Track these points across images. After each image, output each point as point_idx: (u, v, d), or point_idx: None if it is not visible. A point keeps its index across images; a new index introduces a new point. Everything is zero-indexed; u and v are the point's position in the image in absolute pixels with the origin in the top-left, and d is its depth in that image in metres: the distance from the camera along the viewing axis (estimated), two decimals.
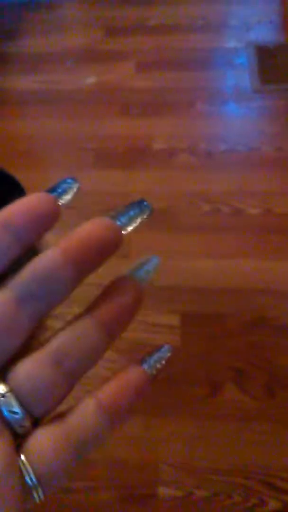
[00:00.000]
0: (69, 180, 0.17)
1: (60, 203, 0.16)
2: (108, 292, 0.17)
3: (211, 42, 1.72)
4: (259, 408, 0.87)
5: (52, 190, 0.17)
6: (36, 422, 0.16)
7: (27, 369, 0.15)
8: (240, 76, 1.57)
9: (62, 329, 0.16)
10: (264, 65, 1.61)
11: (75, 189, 0.17)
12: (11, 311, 0.15)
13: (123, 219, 0.16)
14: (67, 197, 0.17)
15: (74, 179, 0.17)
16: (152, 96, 1.51)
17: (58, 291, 0.16)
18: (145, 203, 0.17)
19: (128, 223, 0.16)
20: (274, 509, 0.77)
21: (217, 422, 0.86)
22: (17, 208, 0.15)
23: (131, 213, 0.17)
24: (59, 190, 0.17)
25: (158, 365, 0.17)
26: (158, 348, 0.18)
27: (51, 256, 0.15)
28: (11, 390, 0.15)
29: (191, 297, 1.02)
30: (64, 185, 0.17)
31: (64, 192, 0.17)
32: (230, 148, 1.34)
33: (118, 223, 0.16)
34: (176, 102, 1.48)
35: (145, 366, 0.17)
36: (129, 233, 0.16)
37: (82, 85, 1.58)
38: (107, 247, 0.16)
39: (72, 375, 0.16)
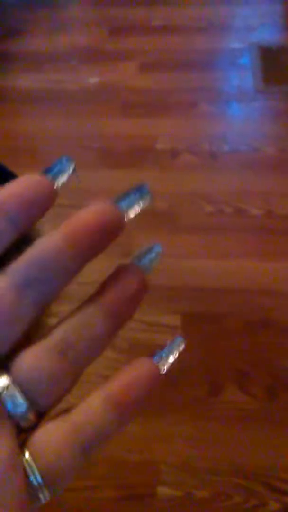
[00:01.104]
0: (64, 160, 0.16)
1: (55, 186, 0.16)
2: (112, 280, 0.16)
3: (215, 43, 1.72)
4: (260, 409, 0.87)
5: (47, 171, 0.16)
6: (41, 416, 0.15)
7: (31, 359, 0.15)
8: (243, 76, 1.57)
9: (66, 317, 0.16)
10: (267, 66, 1.61)
11: (70, 170, 0.16)
12: (11, 298, 0.15)
13: (124, 204, 0.16)
14: (63, 179, 0.16)
15: (70, 159, 0.16)
16: (155, 96, 1.51)
17: (60, 276, 0.15)
18: (144, 188, 0.17)
19: (129, 208, 0.16)
20: (274, 510, 0.77)
21: (218, 423, 0.86)
22: (11, 191, 0.15)
23: (132, 197, 0.16)
24: (55, 171, 0.16)
25: (171, 358, 0.17)
26: (170, 341, 0.17)
27: (51, 240, 0.15)
28: (14, 381, 0.15)
29: (193, 297, 1.02)
30: (60, 166, 0.16)
31: (60, 173, 0.16)
32: (232, 148, 1.34)
33: (119, 208, 0.16)
34: (179, 103, 1.48)
35: (156, 359, 0.16)
36: (131, 220, 0.16)
37: (85, 85, 1.58)
38: (109, 232, 0.15)
39: (77, 365, 0.15)
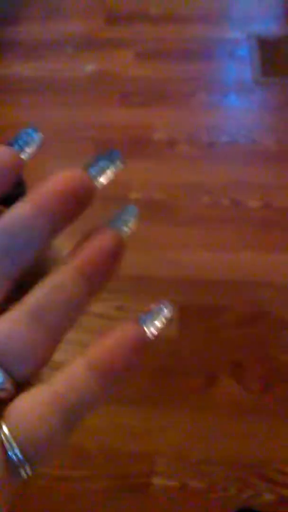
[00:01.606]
0: (30, 131, 0.16)
1: (22, 157, 0.15)
2: (85, 240, 0.15)
3: (213, 33, 1.70)
4: (255, 400, 0.87)
5: (13, 142, 0.16)
6: (19, 387, 0.14)
7: (4, 328, 0.14)
8: (241, 67, 1.55)
9: (39, 283, 0.15)
10: (266, 57, 1.59)
11: (38, 142, 0.16)
12: None
13: (94, 170, 0.15)
14: (30, 151, 0.16)
15: (36, 129, 0.16)
16: (152, 85, 1.50)
17: (32, 244, 0.14)
18: (116, 153, 0.16)
19: (100, 174, 0.15)
20: (269, 501, 0.78)
21: (213, 414, 0.86)
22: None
23: (102, 163, 0.16)
24: (20, 143, 0.16)
25: (158, 324, 0.16)
26: (157, 305, 0.16)
27: (21, 209, 0.14)
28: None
29: (190, 289, 1.02)
30: (26, 137, 0.16)
31: (26, 145, 0.16)
32: (230, 140, 1.33)
33: (89, 174, 0.15)
34: (177, 92, 1.47)
35: (142, 323, 0.15)
36: (103, 185, 0.16)
37: (81, 73, 1.56)
38: (79, 199, 0.15)
39: (54, 331, 0.14)
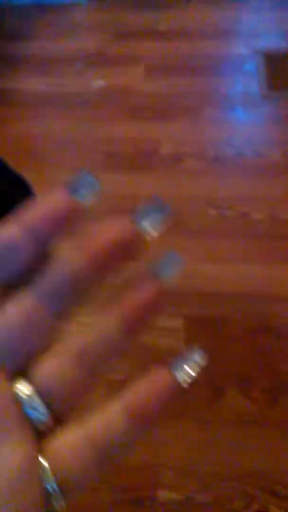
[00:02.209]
0: (89, 178, 0.16)
1: (81, 205, 0.16)
2: (129, 288, 0.16)
3: (220, 48, 1.72)
4: (261, 413, 0.87)
5: (72, 188, 0.16)
6: (58, 420, 0.16)
7: (52, 369, 0.15)
8: (248, 82, 1.57)
9: (84, 324, 0.16)
10: (273, 72, 1.62)
11: (97, 189, 0.16)
12: (33, 311, 0.15)
13: (144, 222, 0.16)
14: (90, 199, 0.16)
15: (95, 177, 0.16)
16: (160, 100, 1.52)
17: (79, 291, 0.16)
18: (165, 206, 0.17)
19: (150, 227, 0.16)
20: None
21: (219, 427, 0.86)
22: (40, 211, 0.15)
23: (151, 215, 0.16)
24: (81, 190, 0.16)
25: (192, 372, 0.17)
26: (190, 352, 0.17)
27: (72, 258, 0.16)
28: (35, 389, 0.15)
29: (196, 301, 1.02)
30: (86, 184, 0.16)
31: (87, 192, 0.16)
32: (237, 153, 1.34)
33: (139, 227, 0.16)
34: (184, 107, 1.49)
35: (176, 373, 0.16)
36: (154, 237, 0.16)
37: (91, 88, 1.59)
38: (128, 252, 0.16)
39: (93, 373, 0.16)
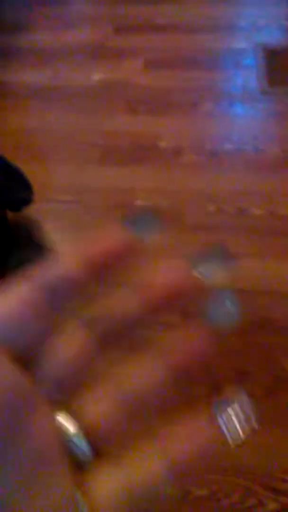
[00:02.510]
0: (150, 216, 0.16)
1: (143, 242, 0.16)
2: (182, 338, 0.16)
3: (220, 43, 1.71)
4: (259, 408, 0.87)
5: (134, 225, 0.16)
6: (99, 454, 0.16)
7: (98, 412, 0.15)
8: (247, 77, 1.57)
9: (130, 361, 0.16)
10: (272, 67, 1.61)
11: (156, 227, 0.16)
12: (88, 349, 0.15)
13: (206, 272, 0.16)
14: (148, 236, 0.16)
15: (156, 215, 0.16)
16: (159, 94, 1.51)
17: (133, 330, 0.16)
18: (223, 249, 0.16)
19: (211, 273, 0.16)
20: (271, 510, 0.77)
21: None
22: (99, 245, 0.16)
23: (212, 262, 0.16)
24: (140, 227, 0.16)
25: (240, 431, 0.16)
26: (234, 395, 0.17)
27: (130, 302, 0.16)
28: (80, 426, 0.15)
29: (194, 297, 1.02)
30: (147, 221, 0.16)
31: (147, 229, 0.16)
32: (236, 148, 1.34)
33: (197, 273, 0.16)
34: (183, 101, 1.48)
35: (222, 423, 0.16)
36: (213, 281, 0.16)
37: (89, 81, 1.58)
38: (185, 297, 0.16)
39: (141, 421, 0.16)
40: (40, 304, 0.15)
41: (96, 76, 1.59)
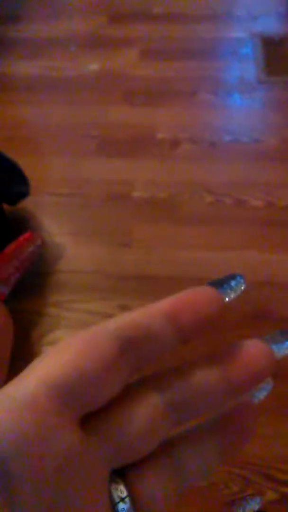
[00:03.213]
0: (238, 278, 0.17)
1: (224, 301, 0.16)
2: (229, 416, 0.16)
3: (217, 32, 1.69)
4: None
5: (220, 285, 0.16)
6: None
7: (151, 481, 0.15)
8: (245, 66, 1.55)
9: (185, 439, 0.16)
10: (270, 56, 1.59)
11: (242, 289, 0.17)
12: (114, 361, 0.15)
13: (277, 348, 0.16)
14: (232, 296, 0.17)
15: (243, 278, 0.17)
16: (155, 84, 1.49)
17: (159, 351, 0.16)
18: (239, 277, 0.17)
19: (281, 351, 0.16)
20: (271, 500, 0.78)
21: None
22: (186, 303, 0.15)
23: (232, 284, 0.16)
24: (225, 287, 0.16)
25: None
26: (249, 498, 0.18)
27: (215, 381, 0.16)
28: (130, 495, 0.15)
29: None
30: (234, 283, 0.17)
31: (231, 290, 0.16)
32: (234, 139, 1.32)
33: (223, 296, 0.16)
34: (180, 92, 1.47)
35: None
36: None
37: (85, 72, 1.56)
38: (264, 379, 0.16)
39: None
40: (119, 362, 0.14)
41: (91, 67, 1.57)
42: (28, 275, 1.04)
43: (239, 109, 1.45)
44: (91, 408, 0.14)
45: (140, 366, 0.15)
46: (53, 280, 1.03)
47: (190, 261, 1.06)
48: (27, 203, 1.11)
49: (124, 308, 0.96)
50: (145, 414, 0.14)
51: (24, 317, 0.98)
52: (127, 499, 0.14)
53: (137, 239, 1.09)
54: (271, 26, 1.72)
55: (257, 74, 1.52)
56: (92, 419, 0.14)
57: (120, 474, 0.15)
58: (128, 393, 0.15)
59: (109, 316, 1.00)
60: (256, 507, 0.17)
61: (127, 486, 0.15)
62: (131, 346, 0.14)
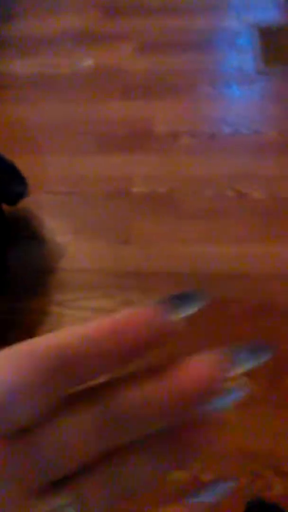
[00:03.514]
0: (198, 295, 0.16)
1: (175, 324, 0.15)
2: (177, 429, 0.15)
3: (214, 23, 1.68)
4: (264, 393, 0.87)
5: (175, 302, 0.15)
6: None
7: (91, 489, 0.15)
8: (243, 57, 1.53)
9: (130, 447, 0.15)
10: (268, 47, 1.57)
11: (200, 305, 0.16)
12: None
13: (242, 362, 0.15)
14: (188, 312, 0.16)
15: (202, 293, 0.16)
16: (152, 78, 1.48)
17: (91, 373, 0.15)
18: (264, 347, 0.16)
19: (247, 367, 0.15)
20: (279, 493, 0.78)
21: None
22: (132, 320, 0.14)
23: (250, 357, 0.15)
24: (183, 305, 0.15)
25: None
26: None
27: (158, 396, 0.15)
28: (70, 505, 0.14)
29: (195, 282, 1.01)
30: (191, 302, 0.16)
31: (189, 306, 0.16)
32: (233, 131, 1.31)
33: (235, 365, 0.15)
34: (178, 85, 1.45)
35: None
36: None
37: (80, 68, 1.54)
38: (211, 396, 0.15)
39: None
40: (53, 376, 0.14)
41: (87, 63, 1.56)
42: (30, 275, 1.04)
43: (238, 100, 1.44)
44: (11, 428, 0.14)
45: (71, 386, 0.14)
46: (55, 279, 1.03)
47: (191, 255, 1.06)
48: (27, 203, 1.10)
49: (128, 303, 0.96)
50: (74, 430, 0.14)
51: (28, 316, 0.98)
52: (68, 509, 0.14)
53: (138, 235, 1.08)
54: (268, 15, 1.70)
55: (255, 65, 1.51)
56: (21, 435, 0.14)
57: (62, 483, 0.14)
58: (61, 408, 0.14)
59: (113, 312, 0.99)
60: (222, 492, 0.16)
61: (69, 496, 0.14)
62: (59, 366, 0.14)
